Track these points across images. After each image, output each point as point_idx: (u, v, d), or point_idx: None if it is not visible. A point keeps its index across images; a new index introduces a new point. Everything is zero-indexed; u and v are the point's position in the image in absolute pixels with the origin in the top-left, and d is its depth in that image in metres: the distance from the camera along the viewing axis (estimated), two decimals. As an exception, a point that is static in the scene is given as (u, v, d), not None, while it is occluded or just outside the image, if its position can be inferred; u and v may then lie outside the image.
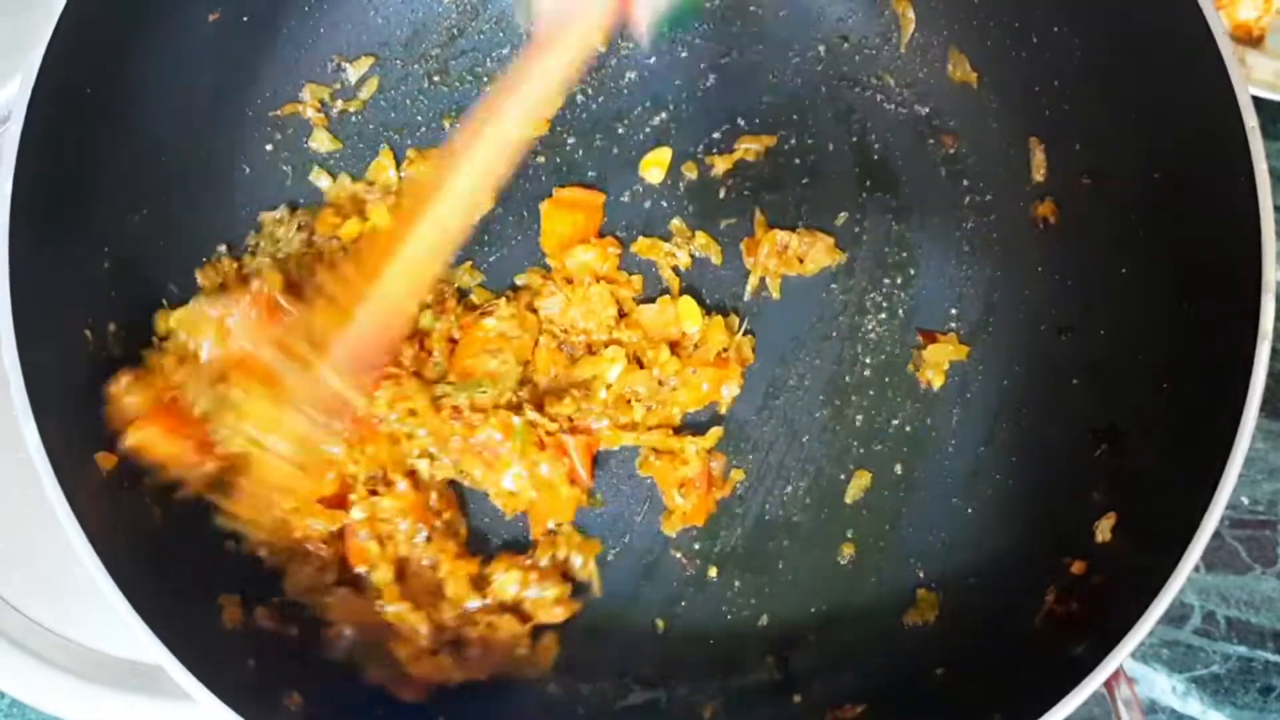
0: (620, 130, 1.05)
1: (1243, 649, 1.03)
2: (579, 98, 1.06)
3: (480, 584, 0.93)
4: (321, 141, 1.04)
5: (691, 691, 0.93)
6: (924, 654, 0.91)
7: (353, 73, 1.05)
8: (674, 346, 1.00)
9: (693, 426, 0.99)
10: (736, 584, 0.97)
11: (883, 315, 1.02)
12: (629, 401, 0.98)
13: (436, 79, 1.06)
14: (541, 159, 1.05)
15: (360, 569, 0.91)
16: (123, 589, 0.74)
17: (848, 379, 1.01)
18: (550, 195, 1.03)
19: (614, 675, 0.94)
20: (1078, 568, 0.86)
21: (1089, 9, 0.91)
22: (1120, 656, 0.73)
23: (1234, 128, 0.78)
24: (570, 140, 1.06)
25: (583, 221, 1.02)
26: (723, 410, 1.00)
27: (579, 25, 0.78)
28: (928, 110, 1.04)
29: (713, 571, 0.98)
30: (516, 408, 0.94)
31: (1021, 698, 0.76)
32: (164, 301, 0.92)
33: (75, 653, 0.98)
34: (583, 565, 0.96)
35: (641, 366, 0.98)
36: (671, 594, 0.97)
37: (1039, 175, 0.99)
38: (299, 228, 1.00)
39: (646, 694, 0.94)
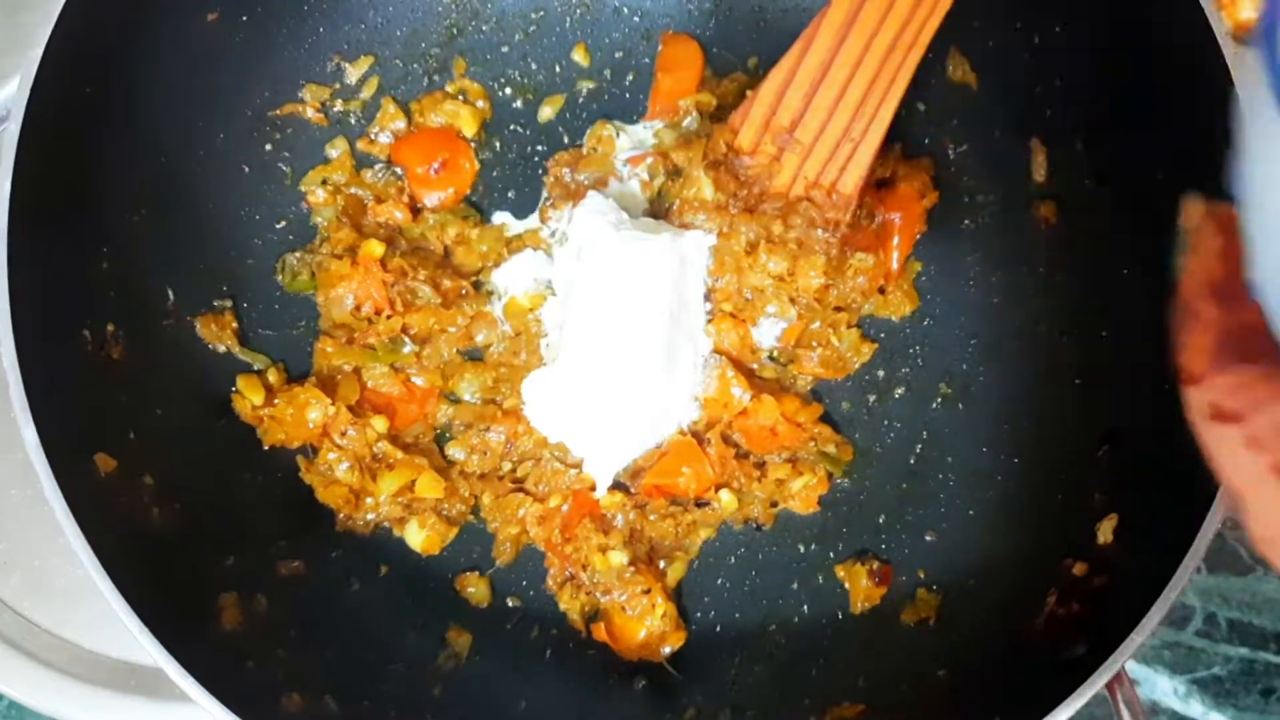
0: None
1: (1244, 651, 1.03)
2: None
3: None
4: (337, 147, 1.04)
5: (707, 695, 0.93)
6: (924, 654, 0.91)
7: (353, 73, 1.04)
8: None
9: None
10: (745, 586, 0.98)
11: (883, 316, 1.03)
12: None
13: (436, 79, 1.06)
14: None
15: None
16: (122, 590, 0.74)
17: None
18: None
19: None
20: (1079, 569, 0.85)
21: (1089, 10, 0.91)
22: (1122, 658, 0.73)
23: (1234, 129, 0.78)
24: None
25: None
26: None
27: None
28: (928, 110, 1.04)
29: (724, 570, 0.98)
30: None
31: (1023, 699, 0.76)
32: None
33: (74, 654, 0.98)
34: None
35: None
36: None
37: (1040, 176, 0.99)
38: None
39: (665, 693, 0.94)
